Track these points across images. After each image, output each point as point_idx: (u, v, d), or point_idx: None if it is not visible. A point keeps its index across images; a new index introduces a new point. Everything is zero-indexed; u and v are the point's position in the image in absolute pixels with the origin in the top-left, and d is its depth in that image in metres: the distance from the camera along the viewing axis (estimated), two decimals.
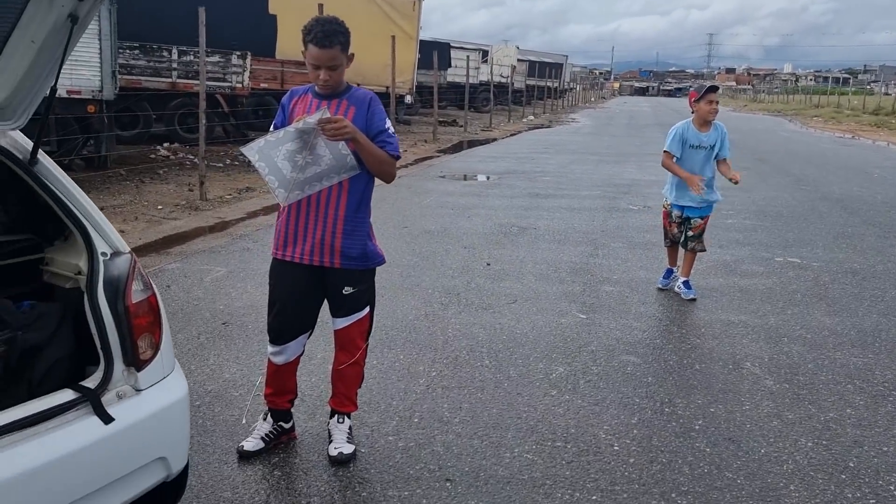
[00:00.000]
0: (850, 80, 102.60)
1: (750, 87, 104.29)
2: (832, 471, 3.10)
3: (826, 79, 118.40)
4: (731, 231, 8.08)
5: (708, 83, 5.62)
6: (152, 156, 12.85)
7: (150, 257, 6.60)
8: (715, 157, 5.45)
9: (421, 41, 21.48)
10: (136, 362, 2.19)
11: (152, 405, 2.20)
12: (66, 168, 2.19)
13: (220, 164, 12.61)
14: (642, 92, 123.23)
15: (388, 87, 19.77)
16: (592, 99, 69.96)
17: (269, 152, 2.83)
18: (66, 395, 2.06)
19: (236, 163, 13.04)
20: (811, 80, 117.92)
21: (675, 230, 5.65)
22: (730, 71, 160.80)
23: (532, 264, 6.54)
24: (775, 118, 41.47)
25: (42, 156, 2.35)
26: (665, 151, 5.48)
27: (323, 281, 3.05)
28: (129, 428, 2.11)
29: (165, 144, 13.86)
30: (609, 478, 3.01)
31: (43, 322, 2.20)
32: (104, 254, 2.28)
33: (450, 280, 5.96)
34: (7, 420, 1.89)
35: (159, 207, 8.80)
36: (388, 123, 3.00)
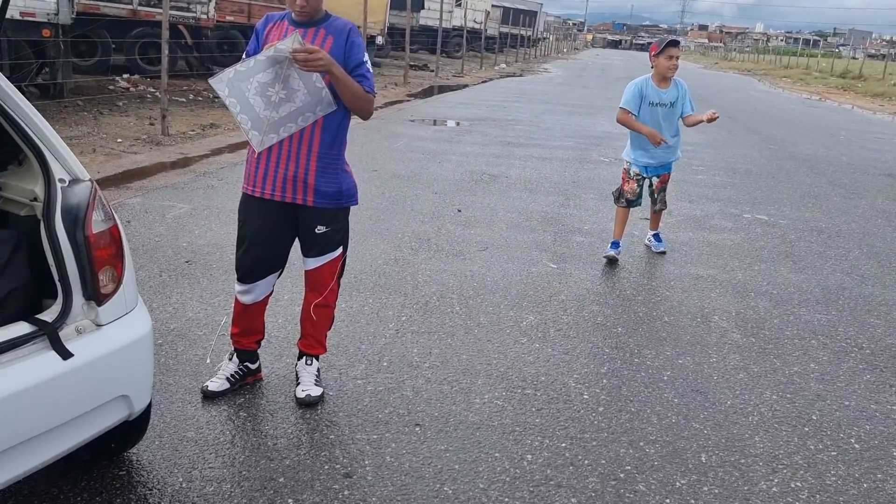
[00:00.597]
0: (821, 43, 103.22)
1: (721, 44, 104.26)
2: (796, 423, 3.15)
3: (797, 40, 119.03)
4: (701, 187, 8.10)
5: (669, 37, 5.26)
6: (111, 87, 12.33)
7: (110, 191, 6.36)
8: (680, 116, 5.14)
9: None
10: (96, 296, 2.08)
11: (114, 341, 2.10)
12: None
13: (183, 100, 12.17)
14: (615, 45, 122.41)
15: (359, 27, 19.27)
16: (565, 50, 69.25)
17: (240, 84, 2.68)
18: (22, 327, 1.94)
19: (199, 98, 12.61)
20: (782, 40, 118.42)
21: (634, 186, 5.26)
22: (702, 28, 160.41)
23: (503, 212, 6.47)
24: (745, 77, 41.64)
25: None
26: (621, 108, 5.10)
27: (295, 219, 2.94)
28: (89, 364, 2.01)
29: (125, 76, 13.31)
30: (578, 426, 3.01)
31: None
32: (62, 180, 2.14)
33: (420, 225, 5.87)
34: None
35: (118, 141, 8.46)
36: (367, 57, 2.86)
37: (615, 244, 5.29)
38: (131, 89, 12.52)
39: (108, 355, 2.07)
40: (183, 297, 4.13)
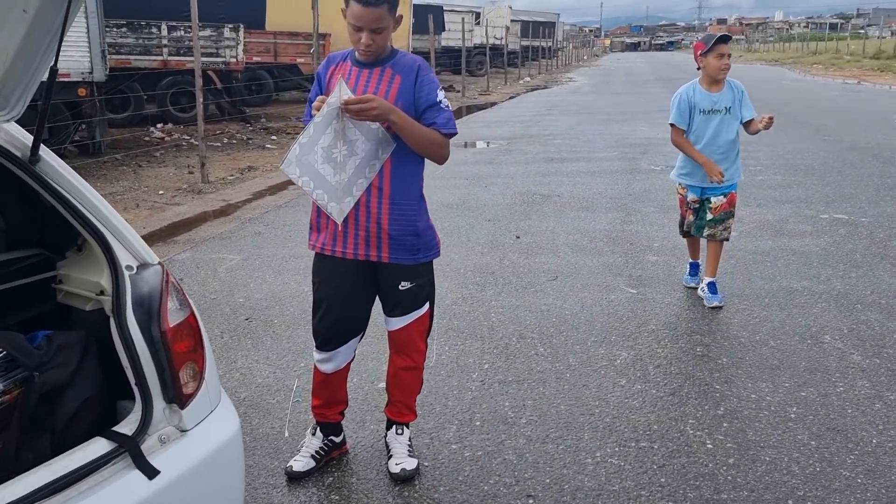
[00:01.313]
0: (844, 25, 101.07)
1: (743, 37, 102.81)
2: None
3: (819, 25, 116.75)
4: (765, 188, 7.68)
5: (717, 34, 4.45)
6: (146, 138, 12.35)
7: (157, 247, 6.19)
8: (740, 123, 4.34)
9: (414, 5, 20.80)
10: (178, 398, 1.81)
11: (202, 448, 1.82)
12: (60, 157, 1.90)
13: (218, 144, 12.12)
14: (634, 47, 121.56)
15: None
16: (585, 57, 68.84)
17: (306, 159, 2.43)
18: (100, 446, 1.68)
19: (234, 141, 12.57)
20: (805, 26, 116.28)
21: (691, 218, 4.50)
22: (721, 22, 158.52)
23: (564, 235, 6.15)
24: (774, 67, 40.79)
25: (45, 151, 1.94)
26: (671, 125, 4.39)
27: (375, 275, 2.66)
28: (178, 480, 1.73)
29: (159, 125, 13.34)
30: (711, 484, 2.66)
31: (63, 356, 1.81)
32: (129, 267, 1.88)
33: (480, 257, 5.57)
34: (29, 488, 1.52)
35: (160, 193, 8.36)
36: (442, 95, 2.58)
37: (694, 268, 4.74)
38: (166, 138, 12.52)
39: (197, 466, 1.79)
40: (248, 360, 3.87)
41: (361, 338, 2.81)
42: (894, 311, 4.22)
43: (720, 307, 4.36)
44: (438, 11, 27.66)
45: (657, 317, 4.28)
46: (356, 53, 2.56)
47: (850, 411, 3.13)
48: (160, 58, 12.45)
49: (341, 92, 2.40)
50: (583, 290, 4.77)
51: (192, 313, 1.93)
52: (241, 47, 13.09)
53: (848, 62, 36.74)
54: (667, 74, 35.22)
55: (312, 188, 2.47)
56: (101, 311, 1.93)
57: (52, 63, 1.84)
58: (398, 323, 2.72)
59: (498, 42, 32.34)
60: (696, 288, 4.63)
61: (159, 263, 1.96)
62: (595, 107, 18.52)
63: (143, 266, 1.92)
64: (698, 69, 4.37)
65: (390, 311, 2.72)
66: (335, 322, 2.69)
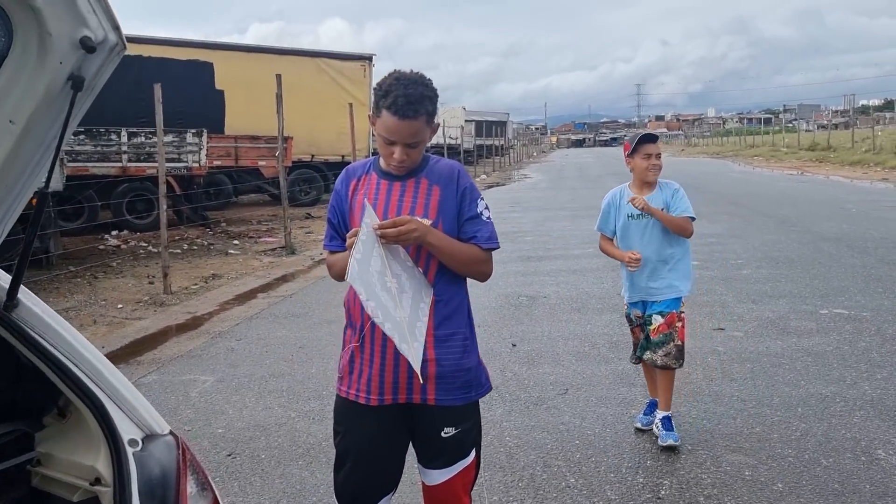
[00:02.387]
0: (772, 120, 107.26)
1: (681, 132, 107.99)
2: None
3: (750, 120, 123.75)
4: (753, 282, 7.53)
5: (642, 131, 4.07)
6: (101, 247, 11.77)
7: (121, 368, 5.60)
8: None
9: None
10: None
11: None
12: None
13: (178, 251, 11.61)
14: (579, 143, 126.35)
15: (343, 157, 19.20)
16: (535, 154, 70.90)
17: (366, 278, 2.02)
18: None
19: (194, 247, 12.09)
20: (736, 122, 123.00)
21: (639, 334, 3.90)
22: (659, 118, 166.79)
23: (563, 341, 5.80)
24: (718, 160, 42.49)
25: (25, 294, 1.53)
26: (598, 232, 4.01)
27: (412, 420, 2.24)
28: None
29: (114, 232, 12.80)
30: None
31: None
32: (133, 441, 1.46)
33: None
34: None
35: (119, 306, 7.79)
36: (483, 206, 2.26)
37: (651, 407, 3.99)
38: (122, 246, 11.97)
39: None
40: None
41: (393, 495, 2.36)
42: None
43: (676, 447, 3.67)
44: None
45: (689, 433, 3.91)
46: (383, 165, 2.24)
47: None
48: (119, 164, 12.07)
49: (370, 218, 2.05)
50: (599, 405, 4.39)
51: (215, 497, 1.49)
52: (203, 152, 12.82)
53: (786, 154, 38.51)
54: (616, 169, 36.23)
55: (381, 319, 2.03)
56: (93, 501, 1.48)
57: (45, 182, 1.47)
58: (440, 476, 2.28)
59: (454, 142, 33.00)
60: (647, 429, 3.94)
61: (171, 433, 1.53)
62: (557, 202, 18.66)
63: (151, 438, 1.49)
64: (631, 171, 3.87)
65: (429, 462, 2.29)
66: (364, 480, 2.24)
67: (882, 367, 4.79)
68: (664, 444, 3.71)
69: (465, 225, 2.22)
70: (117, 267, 10.18)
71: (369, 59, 20.29)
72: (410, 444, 2.33)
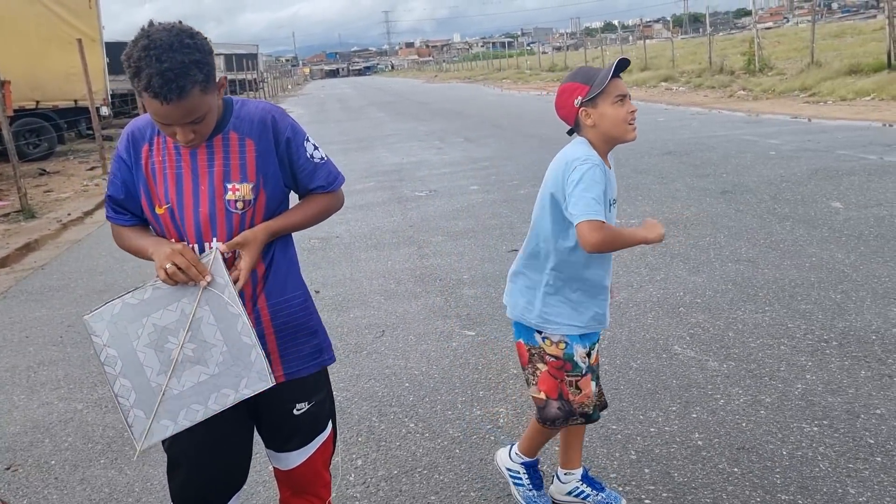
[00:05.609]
0: (514, 43, 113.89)
1: (431, 58, 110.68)
2: None
3: (493, 44, 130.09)
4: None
5: (614, 62, 2.24)
6: None
7: None
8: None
9: (108, 43, 18.66)
10: None
11: None
12: None
13: None
14: (334, 74, 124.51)
15: (76, 101, 16.94)
16: (289, 87, 68.48)
17: (127, 327, 1.70)
18: None
19: None
20: (481, 46, 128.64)
21: (591, 386, 2.47)
22: (409, 45, 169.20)
23: (366, 281, 5.67)
24: (471, 84, 44.24)
25: None
26: (589, 221, 2.13)
27: (255, 405, 1.96)
28: None
29: None
30: None
31: None
32: None
33: None
34: None
35: None
36: (311, 146, 1.98)
37: (535, 474, 2.66)
38: None
39: None
40: None
41: (241, 489, 2.08)
42: (715, 311, 4.44)
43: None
44: None
45: (511, 357, 4.01)
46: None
47: (744, 425, 3.10)
48: None
49: (211, 265, 1.73)
50: (419, 343, 4.35)
51: None
52: None
53: (531, 76, 41.17)
54: (378, 98, 36.33)
55: (118, 371, 1.71)
56: None
57: None
58: (298, 458, 2.06)
59: None
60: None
61: None
62: (325, 136, 18.18)
63: None
64: (571, 133, 2.36)
65: (283, 445, 2.05)
66: (204, 484, 1.94)
67: (658, 269, 5.29)
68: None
69: (300, 178, 1.95)
70: None
71: None
72: (255, 431, 2.06)
